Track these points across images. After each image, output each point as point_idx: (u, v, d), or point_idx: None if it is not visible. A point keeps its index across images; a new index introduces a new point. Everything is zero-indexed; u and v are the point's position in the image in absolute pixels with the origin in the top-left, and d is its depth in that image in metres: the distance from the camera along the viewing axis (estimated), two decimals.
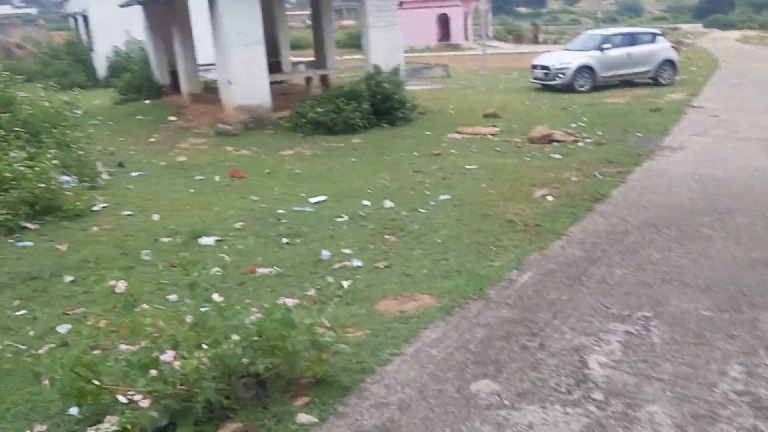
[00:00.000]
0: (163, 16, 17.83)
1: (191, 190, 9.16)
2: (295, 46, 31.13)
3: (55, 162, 8.03)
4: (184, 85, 17.00)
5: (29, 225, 7.25)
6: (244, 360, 3.44)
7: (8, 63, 26.04)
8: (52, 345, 3.16)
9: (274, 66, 17.09)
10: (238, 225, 7.33)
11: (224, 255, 5.85)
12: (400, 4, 16.04)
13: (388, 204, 7.99)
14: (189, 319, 3.54)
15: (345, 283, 5.52)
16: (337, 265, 6.04)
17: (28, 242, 6.77)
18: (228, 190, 9.17)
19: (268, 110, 13.97)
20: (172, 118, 15.21)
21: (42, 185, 7.39)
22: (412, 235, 6.83)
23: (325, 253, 6.33)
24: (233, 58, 13.40)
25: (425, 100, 16.68)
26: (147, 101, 18.07)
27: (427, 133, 13.07)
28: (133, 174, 10.26)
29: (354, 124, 13.19)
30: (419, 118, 14.64)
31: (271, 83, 14.32)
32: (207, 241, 6.79)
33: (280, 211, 7.81)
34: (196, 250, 6.53)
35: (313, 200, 8.34)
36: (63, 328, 4.82)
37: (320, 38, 18.24)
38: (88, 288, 5.52)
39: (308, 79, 16.80)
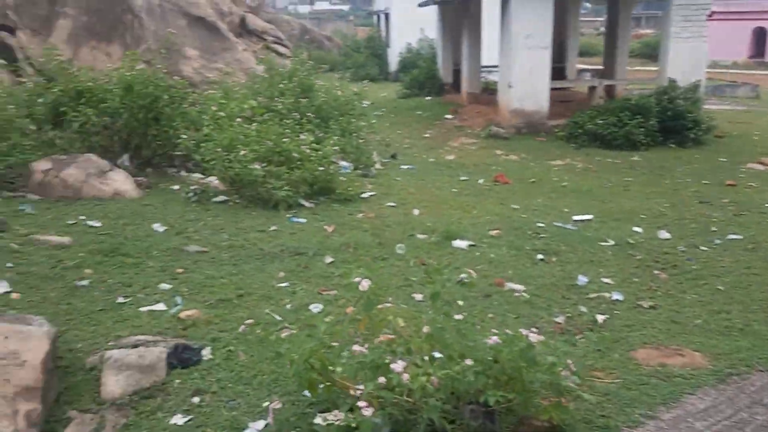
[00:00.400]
0: (456, 17, 18.32)
1: (454, 190, 9.17)
2: (584, 53, 29.97)
3: (336, 148, 8.59)
4: (465, 85, 17.28)
5: (306, 203, 7.85)
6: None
7: (317, 53, 29.19)
8: (294, 331, 3.25)
9: (557, 72, 16.54)
10: (493, 232, 7.10)
11: (471, 270, 5.61)
12: (710, 14, 14.31)
13: (663, 234, 7.11)
14: (426, 329, 3.39)
15: (600, 318, 5.02)
16: (593, 295, 5.49)
17: (302, 219, 7.32)
18: (489, 194, 9.00)
19: (544, 117, 13.52)
20: (449, 116, 15.55)
21: (322, 168, 7.94)
22: (687, 275, 5.95)
23: (582, 279, 5.81)
24: (517, 61, 13.19)
25: (725, 122, 14.73)
26: (428, 98, 18.78)
27: (722, 159, 11.49)
28: (403, 167, 10.62)
29: (635, 140, 12.12)
30: (714, 142, 12.95)
31: (552, 89, 13.84)
32: (460, 244, 6.68)
33: (540, 225, 7.41)
34: (448, 252, 6.46)
35: (576, 218, 7.78)
36: (315, 307, 5.06)
37: (612, 46, 17.15)
38: (347, 272, 5.76)
39: (592, 89, 15.91)
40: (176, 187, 8.32)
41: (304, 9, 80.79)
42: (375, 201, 8.35)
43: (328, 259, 6.13)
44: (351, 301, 5.05)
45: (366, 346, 3.30)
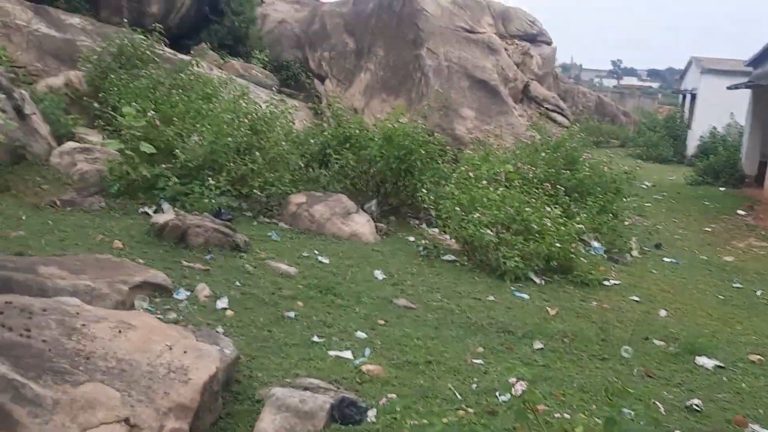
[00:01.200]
0: None
1: (720, 297, 7.78)
2: None
3: (581, 226, 7.90)
4: None
5: (535, 278, 7.29)
6: None
7: (608, 127, 28.15)
8: (422, 421, 2.84)
9: None
10: (754, 357, 5.78)
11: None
12: None
13: None
14: None
15: None
16: None
17: (525, 294, 6.79)
18: (765, 310, 7.42)
19: None
20: (741, 212, 13.51)
21: (559, 245, 7.32)
22: None
23: None
24: None
25: None
26: (722, 188, 16.66)
27: None
28: (666, 259, 9.37)
29: None
30: None
31: None
32: (705, 362, 5.54)
33: None
34: (687, 368, 5.41)
35: None
36: (502, 397, 4.53)
37: None
38: (552, 362, 5.15)
39: None
40: (411, 238, 8.39)
41: (610, 83, 79.03)
42: (617, 291, 7.44)
43: (537, 345, 5.52)
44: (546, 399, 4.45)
45: None
